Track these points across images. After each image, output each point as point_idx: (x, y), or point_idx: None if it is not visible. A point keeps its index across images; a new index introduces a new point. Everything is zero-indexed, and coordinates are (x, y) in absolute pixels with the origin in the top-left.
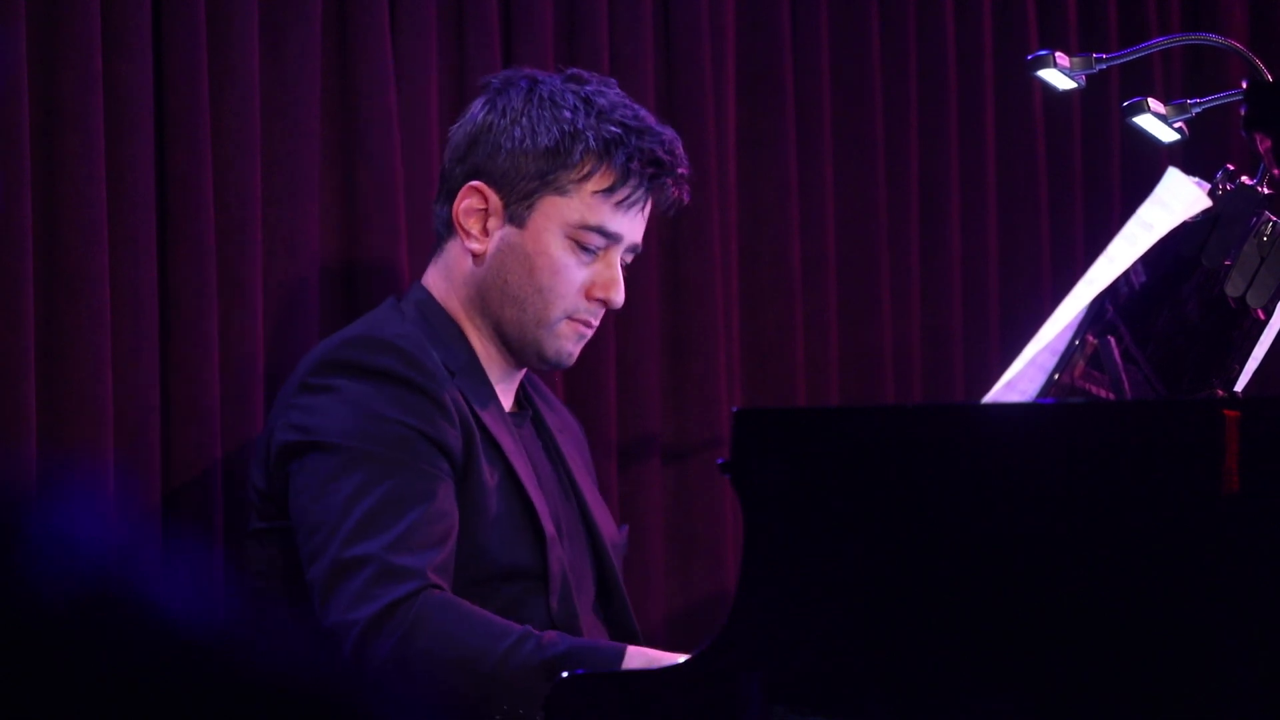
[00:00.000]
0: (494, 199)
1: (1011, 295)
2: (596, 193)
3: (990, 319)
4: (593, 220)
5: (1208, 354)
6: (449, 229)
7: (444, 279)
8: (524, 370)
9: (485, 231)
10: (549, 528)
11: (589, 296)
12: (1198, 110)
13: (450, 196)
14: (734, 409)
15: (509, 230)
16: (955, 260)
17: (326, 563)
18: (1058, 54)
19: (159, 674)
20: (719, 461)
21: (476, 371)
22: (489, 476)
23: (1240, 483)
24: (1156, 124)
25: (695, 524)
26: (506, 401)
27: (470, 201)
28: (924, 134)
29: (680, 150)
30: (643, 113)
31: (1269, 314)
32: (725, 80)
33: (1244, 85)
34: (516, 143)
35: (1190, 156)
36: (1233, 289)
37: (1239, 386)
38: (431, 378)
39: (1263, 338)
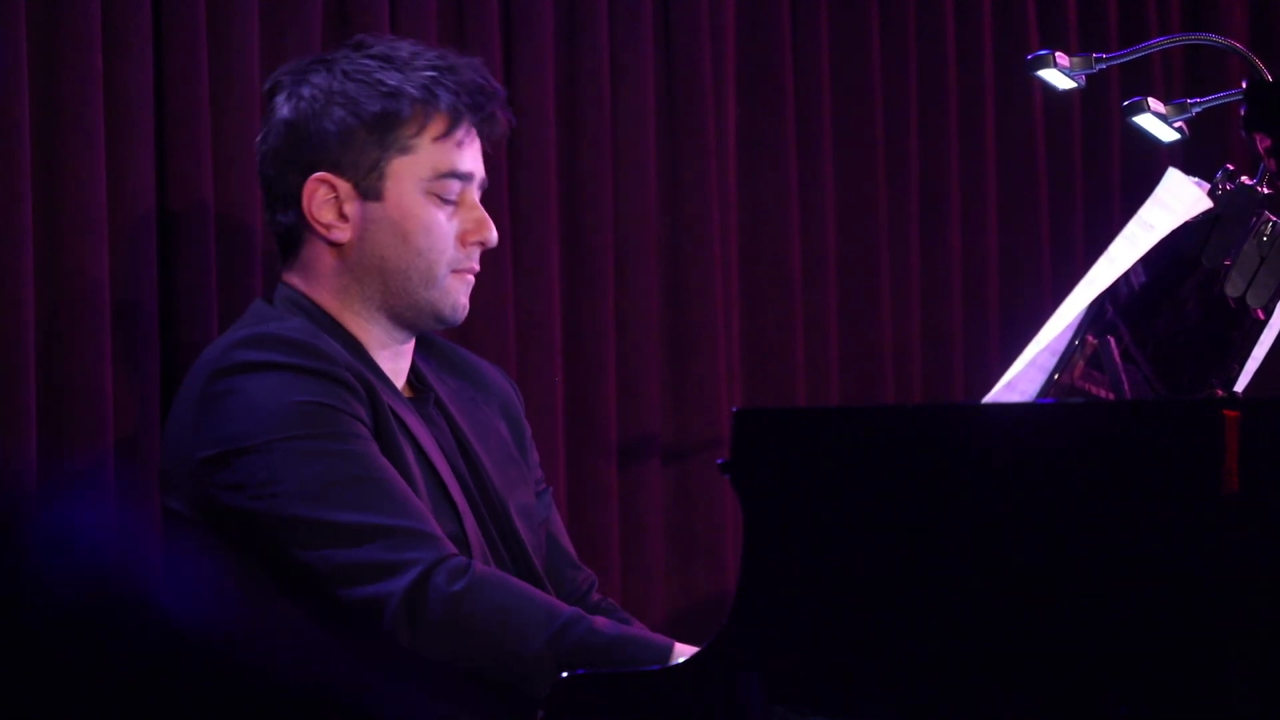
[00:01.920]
0: (342, 184)
1: (1011, 295)
2: (436, 139)
3: (990, 319)
4: (444, 167)
5: (1208, 354)
6: (300, 232)
7: (307, 280)
8: (409, 348)
9: (343, 217)
10: (458, 497)
11: (464, 243)
12: (1198, 110)
13: (290, 201)
14: (734, 409)
15: (369, 206)
16: (955, 260)
17: (329, 547)
18: (1058, 54)
19: (159, 673)
20: (719, 461)
21: (365, 359)
22: (406, 450)
23: (1240, 483)
24: (1156, 124)
25: (695, 524)
26: (399, 382)
27: (319, 194)
28: (924, 134)
29: (488, 72)
30: (443, 51)
31: (1269, 314)
32: (725, 80)
33: (1244, 85)
34: (341, 122)
35: (1190, 156)
36: (1233, 289)
37: (1239, 386)
38: (329, 360)
39: (1263, 338)
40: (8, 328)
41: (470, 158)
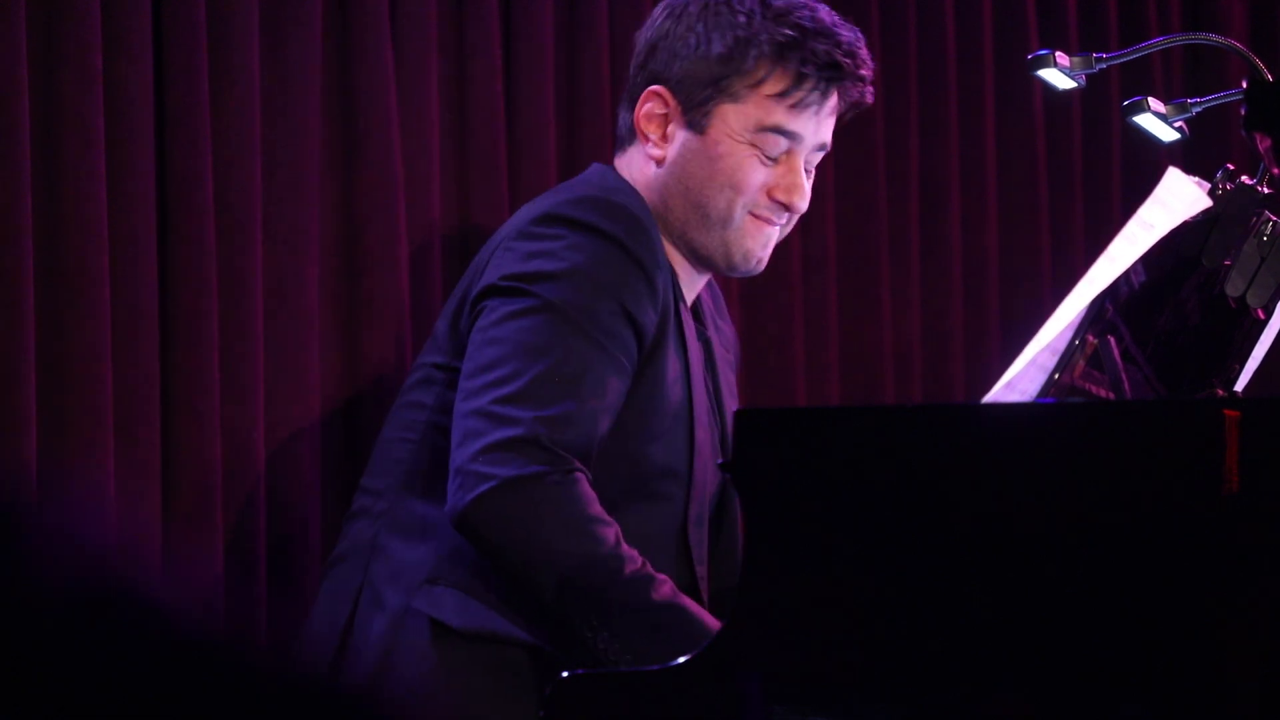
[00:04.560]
0: (674, 104)
1: (1011, 295)
2: (771, 96)
3: (990, 319)
4: (769, 121)
5: (1208, 354)
6: (631, 134)
7: (630, 179)
8: (705, 280)
9: (665, 137)
10: (700, 434)
11: (770, 196)
12: (1198, 110)
13: (632, 102)
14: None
15: (689, 136)
16: (955, 260)
17: (480, 407)
18: (1058, 54)
19: (159, 674)
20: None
21: (669, 265)
22: (672, 366)
23: (1240, 483)
24: (1156, 123)
25: None
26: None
27: (651, 106)
28: (924, 134)
29: (862, 52)
30: (823, 13)
31: (1269, 314)
32: None
33: (1244, 85)
34: (692, 49)
35: (1190, 156)
36: (1233, 289)
37: (1239, 386)
38: (653, 253)
39: (1263, 338)
40: (8, 328)
41: (804, 121)
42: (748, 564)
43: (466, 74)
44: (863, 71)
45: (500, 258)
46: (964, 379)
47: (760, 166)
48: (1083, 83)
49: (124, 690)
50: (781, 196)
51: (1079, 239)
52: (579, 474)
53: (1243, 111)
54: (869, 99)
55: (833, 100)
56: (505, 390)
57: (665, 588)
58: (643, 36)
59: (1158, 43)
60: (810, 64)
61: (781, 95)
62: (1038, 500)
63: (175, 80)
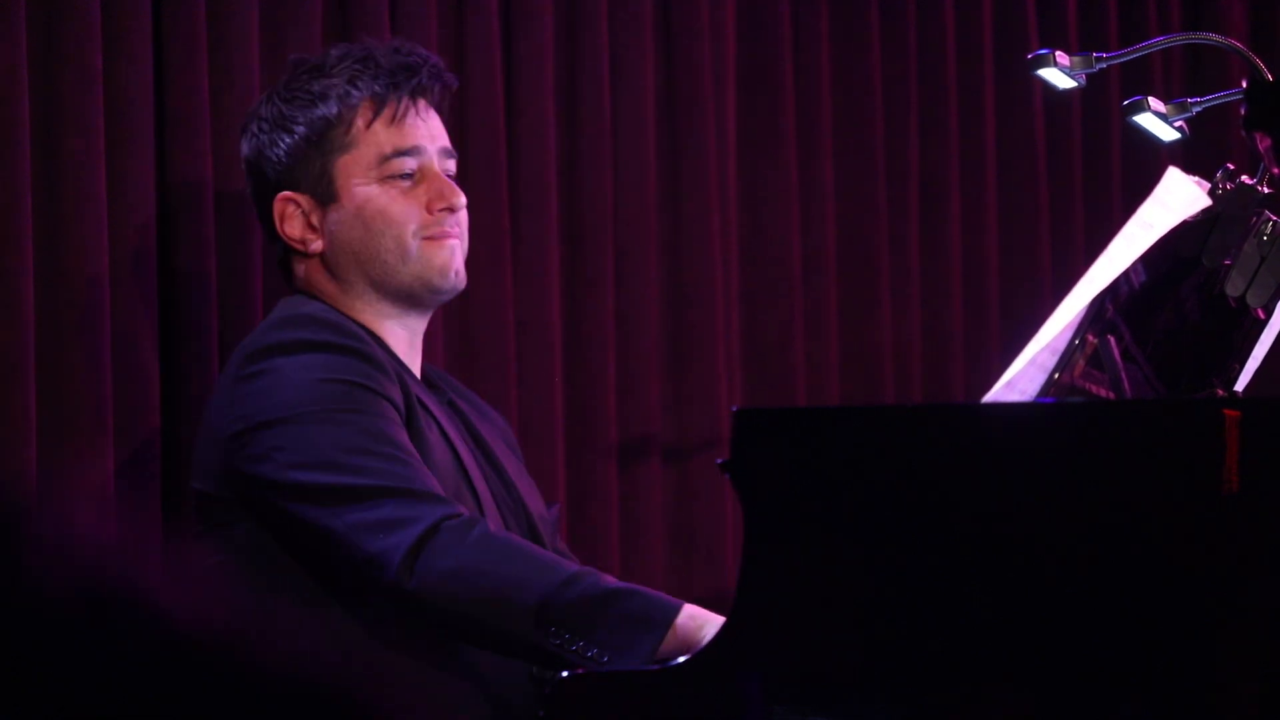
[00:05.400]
0: (303, 199)
1: (1011, 295)
2: (368, 127)
3: (990, 319)
4: (386, 149)
5: (1208, 354)
6: (286, 252)
7: (310, 293)
8: (420, 339)
9: (313, 229)
10: (479, 485)
11: (431, 212)
12: (1198, 109)
13: (269, 225)
14: (734, 409)
15: (330, 212)
16: (955, 260)
17: (342, 508)
18: (1058, 53)
19: (159, 674)
20: (719, 461)
21: (382, 345)
22: (429, 431)
23: (1240, 483)
24: (1157, 123)
25: (695, 524)
26: (415, 374)
27: (286, 212)
28: (924, 134)
29: (420, 48)
30: (367, 43)
31: (1269, 313)
32: (725, 80)
33: (1244, 85)
34: (285, 144)
35: (1190, 156)
36: (1233, 288)
37: (1239, 386)
38: (360, 339)
39: (1263, 338)
40: (8, 328)
41: (413, 132)
42: (747, 564)
43: (466, 74)
44: (432, 62)
45: (229, 411)
46: (964, 379)
47: (401, 196)
48: (1083, 82)
49: (124, 690)
50: (438, 204)
51: (1079, 239)
52: (462, 507)
53: (1243, 111)
54: (452, 81)
55: (428, 98)
56: (350, 480)
57: (608, 577)
58: (246, 184)
59: (1158, 43)
60: (382, 78)
61: (375, 120)
62: (1038, 500)
63: (175, 80)
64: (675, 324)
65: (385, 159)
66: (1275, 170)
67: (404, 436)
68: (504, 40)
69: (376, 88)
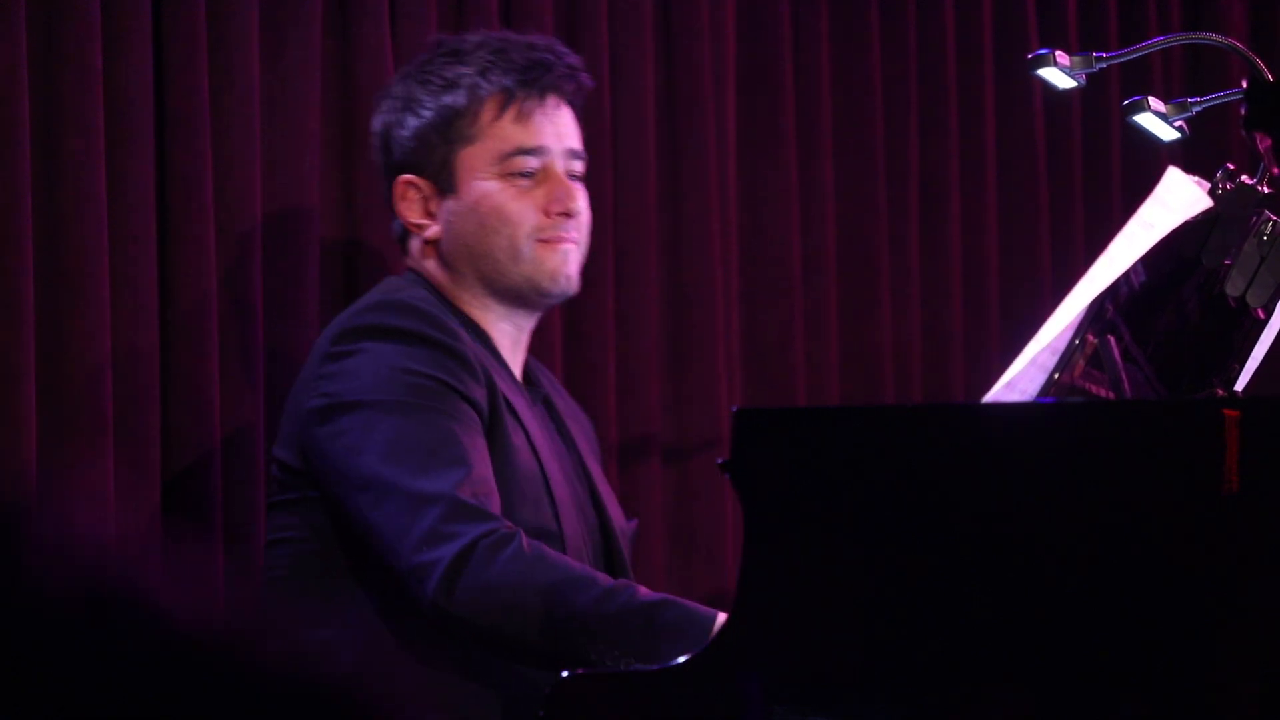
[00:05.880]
0: (423, 182)
1: (1011, 295)
2: (494, 121)
3: (990, 319)
4: (508, 146)
5: (1208, 354)
6: (404, 232)
7: (421, 273)
8: (527, 337)
9: (430, 215)
10: (559, 493)
11: (548, 214)
12: (1198, 109)
13: (391, 203)
14: (734, 409)
15: (449, 201)
16: (955, 260)
17: (392, 509)
18: (1058, 53)
19: (159, 674)
20: (719, 461)
21: (485, 340)
22: (514, 434)
23: (1240, 483)
24: (1157, 123)
25: (695, 524)
26: (516, 372)
27: (406, 196)
28: (924, 134)
29: (557, 45)
30: (507, 35)
31: (1269, 313)
32: (725, 80)
33: (1244, 85)
34: (412, 126)
35: (1190, 156)
36: (1233, 288)
37: (1239, 386)
38: (454, 336)
39: (1263, 338)
40: (8, 328)
41: (539, 131)
42: (747, 564)
43: None
44: (568, 60)
45: (315, 386)
46: (964, 379)
47: (521, 193)
48: (1083, 82)
49: (124, 690)
50: (557, 208)
51: (1079, 239)
52: (506, 522)
53: (1243, 111)
54: (588, 83)
55: (554, 100)
56: (403, 483)
57: (645, 589)
58: (374, 143)
59: (1158, 43)
60: (512, 74)
61: (501, 114)
62: (1038, 500)
63: (175, 80)
64: (675, 324)
65: (507, 156)
66: (1275, 170)
67: (475, 440)
68: None
69: (506, 82)
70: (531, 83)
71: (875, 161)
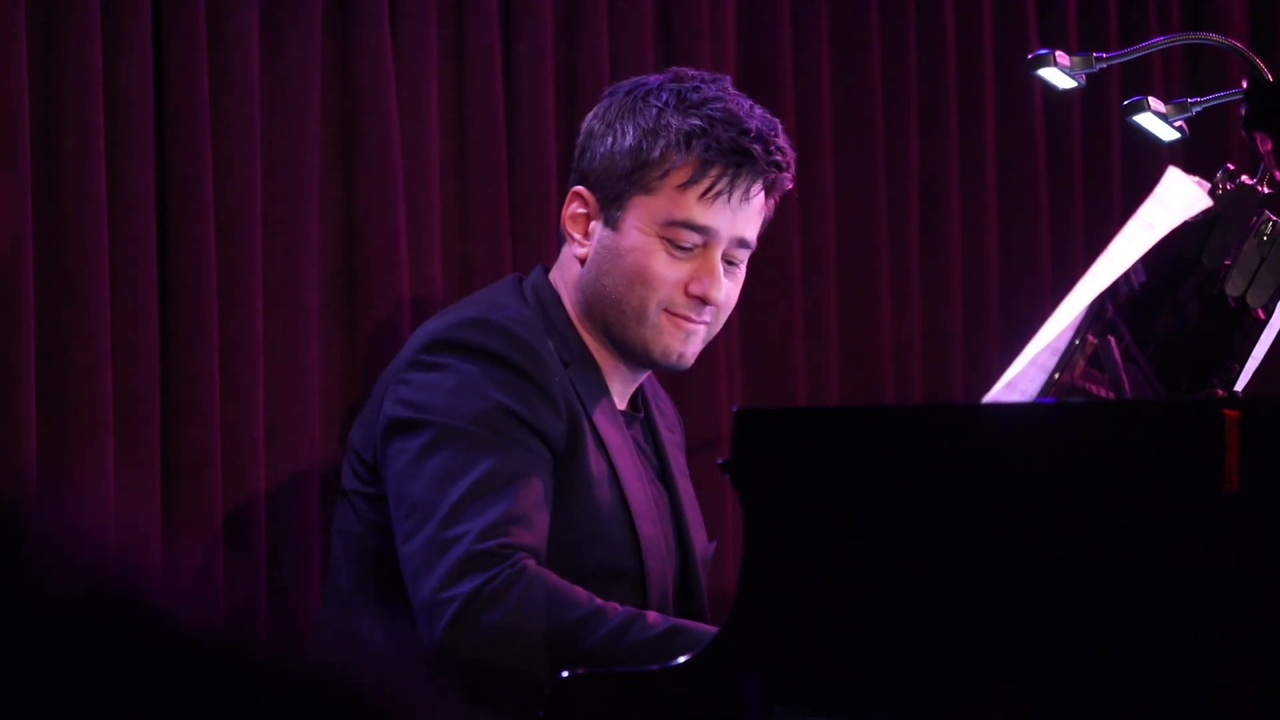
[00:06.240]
0: (593, 201)
1: (1011, 295)
2: (679, 186)
3: (990, 319)
4: (679, 215)
5: (1208, 354)
6: (565, 233)
7: (560, 279)
8: (644, 373)
9: (587, 234)
10: (645, 529)
11: (686, 292)
12: (1198, 109)
13: (563, 205)
14: (734, 409)
15: (606, 232)
16: (955, 260)
17: (421, 543)
18: (1058, 53)
19: (159, 674)
20: (719, 461)
21: (590, 364)
22: (595, 468)
23: (1240, 483)
24: (1157, 123)
25: None
26: (621, 401)
27: (574, 206)
28: (924, 134)
29: (777, 139)
30: (739, 103)
31: (1269, 313)
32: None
33: (1244, 85)
34: (608, 146)
35: (1190, 156)
36: (1233, 288)
37: (1239, 386)
38: (541, 364)
39: (1263, 338)
40: (8, 328)
41: (718, 214)
42: (747, 564)
43: (466, 74)
44: (776, 158)
45: (395, 390)
46: (964, 379)
47: (671, 261)
48: (1083, 82)
49: (124, 690)
50: (696, 290)
51: (1079, 239)
52: (526, 558)
53: (1243, 111)
54: (788, 184)
55: (750, 191)
56: (438, 519)
57: (654, 616)
58: (578, 141)
59: (1158, 43)
60: (714, 150)
61: (688, 185)
62: (1038, 500)
63: (175, 80)
64: None
65: (674, 224)
66: (1276, 171)
67: (531, 474)
68: (504, 40)
69: (705, 156)
70: (731, 166)
71: (875, 161)
